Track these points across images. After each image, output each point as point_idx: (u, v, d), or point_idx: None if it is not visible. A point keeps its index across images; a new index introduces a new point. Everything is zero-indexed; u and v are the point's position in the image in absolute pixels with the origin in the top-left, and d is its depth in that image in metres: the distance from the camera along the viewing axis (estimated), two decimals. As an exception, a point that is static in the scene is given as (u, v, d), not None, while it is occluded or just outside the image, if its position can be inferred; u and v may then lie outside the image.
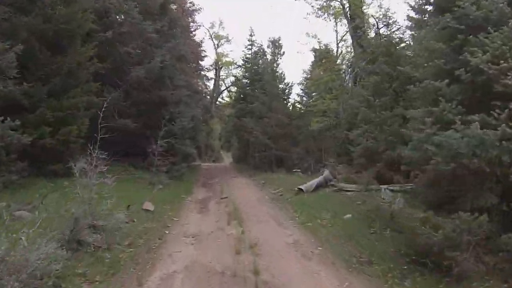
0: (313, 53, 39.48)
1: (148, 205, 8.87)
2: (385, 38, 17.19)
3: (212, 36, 42.14)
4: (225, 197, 11.66)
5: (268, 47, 25.80)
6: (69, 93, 10.18)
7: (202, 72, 25.22)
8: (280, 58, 23.69)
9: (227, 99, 41.23)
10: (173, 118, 14.96)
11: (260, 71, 21.91)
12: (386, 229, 7.17)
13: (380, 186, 11.73)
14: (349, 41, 22.97)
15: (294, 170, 19.74)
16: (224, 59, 42.45)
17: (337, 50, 37.41)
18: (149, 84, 14.52)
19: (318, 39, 34.32)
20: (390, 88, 13.33)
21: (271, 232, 7.22)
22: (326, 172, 13.46)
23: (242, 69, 23.22)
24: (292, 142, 20.27)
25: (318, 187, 12.17)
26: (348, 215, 8.55)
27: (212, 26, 42.88)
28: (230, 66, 41.51)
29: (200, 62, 24.99)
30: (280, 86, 21.75)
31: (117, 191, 10.53)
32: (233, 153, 28.78)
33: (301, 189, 11.56)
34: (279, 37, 26.26)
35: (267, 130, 18.57)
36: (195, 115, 18.21)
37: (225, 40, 42.76)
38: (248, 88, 22.00)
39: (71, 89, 10.22)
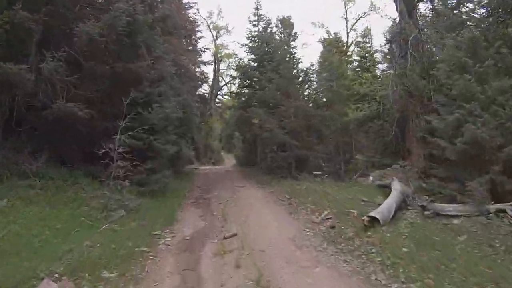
0: (322, 43, 34.25)
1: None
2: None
3: (210, 26, 36.58)
4: (232, 235, 6.07)
5: (276, 27, 20.19)
6: None
7: (199, 58, 19.44)
8: (294, 38, 17.93)
9: (228, 97, 35.51)
10: (150, 102, 9.37)
11: (271, 50, 16.28)
12: None
13: (503, 205, 6.44)
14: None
15: (315, 173, 14.43)
16: (224, 51, 36.85)
17: (348, 40, 32.29)
18: (111, 51, 8.94)
19: (327, 27, 29.01)
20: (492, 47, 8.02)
21: None
22: (398, 184, 7.87)
23: (247, 48, 17.55)
24: (314, 137, 14.70)
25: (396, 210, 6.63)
26: None
27: (210, 16, 37.32)
28: (229, 59, 35.93)
29: (195, 44, 19.32)
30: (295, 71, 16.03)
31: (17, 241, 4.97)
32: (237, 154, 23.07)
33: (373, 218, 5.97)
34: (289, 16, 20.70)
35: (284, 123, 12.97)
36: (187, 101, 12.57)
37: (225, 30, 37.21)
38: (256, 71, 16.34)
39: None
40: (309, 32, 55.16)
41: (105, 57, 9.00)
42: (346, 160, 15.63)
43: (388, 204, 6.50)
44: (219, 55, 36.77)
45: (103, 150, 7.09)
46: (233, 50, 32.77)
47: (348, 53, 27.75)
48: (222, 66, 37.61)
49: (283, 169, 13.09)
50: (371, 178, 11.64)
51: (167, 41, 12.69)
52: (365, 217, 5.96)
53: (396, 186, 7.67)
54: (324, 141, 14.54)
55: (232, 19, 69.93)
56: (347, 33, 32.22)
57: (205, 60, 21.55)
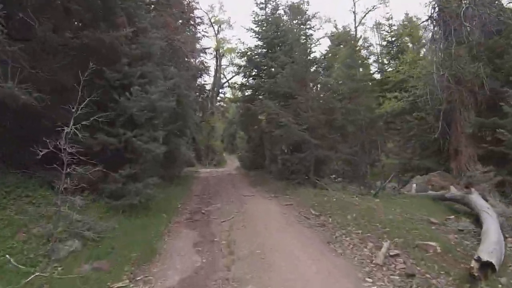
0: (330, 37, 31.92)
1: None
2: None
3: (211, 20, 34.18)
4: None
5: (285, 13, 17.52)
6: None
7: (198, 45, 16.88)
8: (310, 18, 15.06)
9: (231, 90, 33.09)
10: (130, 85, 6.92)
11: (282, 33, 13.78)
12: None
13: None
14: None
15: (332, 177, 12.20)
16: (226, 46, 34.41)
17: (356, 35, 29.95)
18: (75, 14, 6.52)
19: (335, 21, 26.79)
20: None
21: None
22: (482, 201, 5.39)
23: (253, 34, 15.01)
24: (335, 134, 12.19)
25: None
26: None
27: (211, 9, 34.99)
28: (232, 53, 33.46)
29: (194, 31, 16.80)
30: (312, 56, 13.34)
31: None
32: (241, 155, 20.50)
33: (486, 263, 3.47)
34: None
35: (302, 118, 10.47)
36: (182, 91, 10.10)
37: (227, 24, 34.86)
38: (264, 58, 13.83)
39: None
40: (316, 27, 52.29)
41: (65, 22, 6.57)
42: (371, 163, 13.17)
43: (495, 236, 4.01)
44: (220, 50, 34.40)
45: (45, 150, 4.59)
46: (237, 43, 30.05)
47: (356, 48, 25.55)
48: (225, 62, 35.29)
49: (300, 173, 10.60)
50: (414, 186, 9.14)
51: (158, 18, 10.28)
52: (473, 264, 3.45)
53: (481, 203, 5.16)
54: (347, 139, 12.03)
55: (232, 14, 67.36)
56: (355, 27, 30.03)
57: (205, 47, 18.91)
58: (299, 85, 11.22)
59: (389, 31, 16.43)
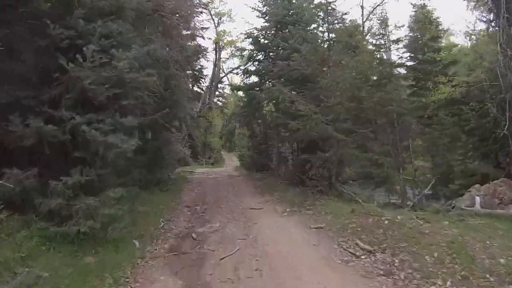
0: (336, 29, 29.44)
1: None
2: None
3: (212, 12, 31.68)
4: None
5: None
6: None
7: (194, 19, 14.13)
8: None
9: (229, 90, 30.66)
10: (84, 43, 4.46)
11: (294, 11, 11.35)
12: None
13: None
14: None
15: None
16: (226, 39, 31.96)
17: (363, 30, 27.52)
18: None
19: (345, 13, 24.29)
20: None
21: None
22: None
23: (260, 14, 12.52)
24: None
25: None
26: None
27: (212, 1, 32.40)
28: (232, 45, 31.00)
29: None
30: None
31: None
32: (242, 154, 17.92)
33: None
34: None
35: (325, 107, 8.06)
36: (171, 70, 7.65)
37: (227, 16, 32.41)
38: (272, 40, 11.41)
39: None
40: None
41: None
42: (401, 165, 10.83)
43: None
44: (220, 43, 31.92)
45: None
46: (238, 35, 27.49)
47: (364, 43, 23.24)
48: (224, 55, 32.80)
49: (323, 179, 8.14)
50: (477, 199, 6.78)
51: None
52: None
53: None
54: (376, 135, 9.64)
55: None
56: (363, 22, 27.61)
57: (204, 26, 16.23)
58: (320, 67, 8.86)
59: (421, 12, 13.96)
